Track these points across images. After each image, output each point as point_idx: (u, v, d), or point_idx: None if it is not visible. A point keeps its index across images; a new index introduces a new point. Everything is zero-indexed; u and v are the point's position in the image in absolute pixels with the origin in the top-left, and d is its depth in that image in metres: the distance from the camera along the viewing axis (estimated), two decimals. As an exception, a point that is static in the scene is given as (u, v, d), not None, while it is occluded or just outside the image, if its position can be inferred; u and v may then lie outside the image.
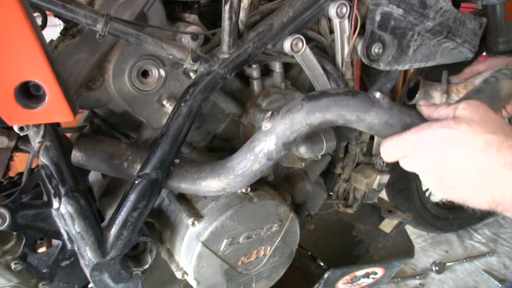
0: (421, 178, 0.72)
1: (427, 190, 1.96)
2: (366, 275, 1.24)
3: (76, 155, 0.82)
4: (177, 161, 0.87)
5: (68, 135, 1.18)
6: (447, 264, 1.93)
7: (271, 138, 0.77)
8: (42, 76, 0.50)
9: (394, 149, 0.71)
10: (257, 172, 0.82)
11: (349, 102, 0.72)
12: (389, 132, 0.72)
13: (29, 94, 0.53)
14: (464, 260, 1.95)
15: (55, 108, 0.52)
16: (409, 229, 2.07)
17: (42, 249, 1.07)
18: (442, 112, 0.71)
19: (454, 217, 2.04)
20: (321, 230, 1.67)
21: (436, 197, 2.05)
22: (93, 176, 1.15)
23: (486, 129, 0.63)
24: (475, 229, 2.15)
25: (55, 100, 0.52)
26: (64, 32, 0.91)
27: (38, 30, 0.49)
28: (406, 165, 0.72)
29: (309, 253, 1.63)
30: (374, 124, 0.72)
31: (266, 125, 0.78)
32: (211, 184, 0.84)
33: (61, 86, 0.52)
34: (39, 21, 0.84)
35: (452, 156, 0.65)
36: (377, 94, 0.73)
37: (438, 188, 0.70)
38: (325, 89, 0.89)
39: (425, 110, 0.74)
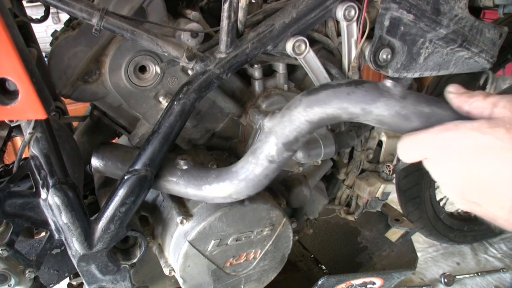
0: (440, 187, 0.61)
1: (441, 199, 1.89)
2: (364, 285, 1.21)
3: (95, 162, 0.88)
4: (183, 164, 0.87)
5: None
6: (457, 277, 1.86)
7: (270, 139, 0.74)
8: (15, 73, 0.50)
9: (412, 149, 0.59)
10: (260, 176, 0.78)
11: (352, 93, 0.63)
12: (405, 125, 0.61)
13: (5, 90, 0.53)
14: (476, 275, 1.87)
15: (27, 106, 0.53)
16: (421, 237, 2.01)
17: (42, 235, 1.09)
18: (476, 104, 0.56)
19: (468, 229, 1.96)
20: (327, 233, 1.65)
21: (453, 207, 1.98)
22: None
23: None
24: (491, 243, 2.06)
25: (28, 98, 0.52)
26: (68, 23, 0.91)
27: (12, 28, 0.49)
28: (427, 167, 0.60)
29: (312, 255, 1.61)
30: (384, 116, 0.61)
31: (266, 125, 0.75)
32: (217, 190, 0.82)
33: (35, 85, 0.52)
34: (41, 12, 0.85)
35: (482, 169, 0.52)
36: (388, 82, 0.62)
37: (459, 202, 0.58)
38: (329, 82, 0.80)
39: (454, 99, 0.59)
